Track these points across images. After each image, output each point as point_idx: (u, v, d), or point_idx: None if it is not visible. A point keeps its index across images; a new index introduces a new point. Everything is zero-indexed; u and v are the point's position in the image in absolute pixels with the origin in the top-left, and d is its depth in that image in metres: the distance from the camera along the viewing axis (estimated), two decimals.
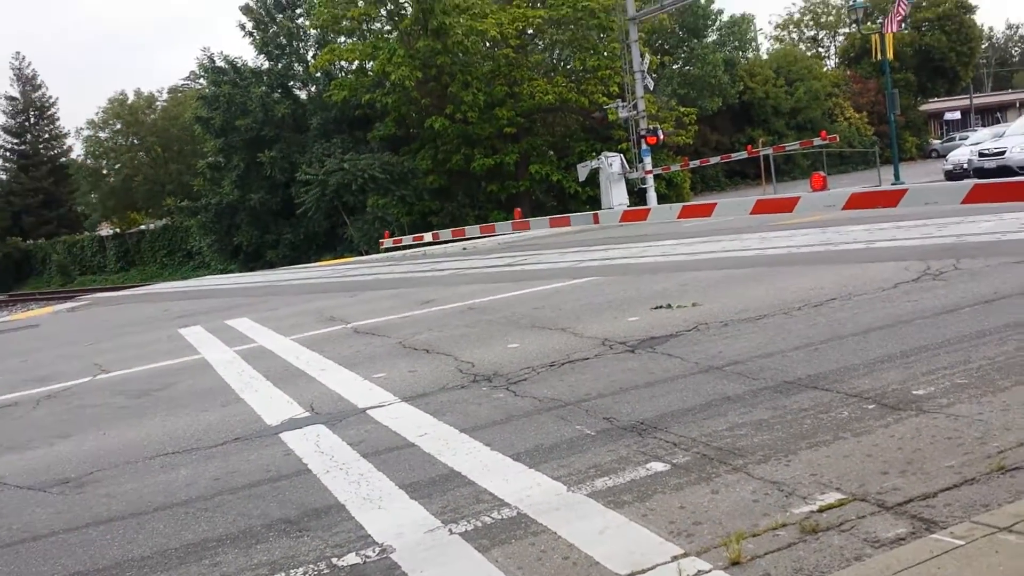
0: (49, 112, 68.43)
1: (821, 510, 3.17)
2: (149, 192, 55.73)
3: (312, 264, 28.94)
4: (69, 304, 22.70)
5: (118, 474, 4.93)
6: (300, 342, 8.81)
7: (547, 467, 4.03)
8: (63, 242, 61.81)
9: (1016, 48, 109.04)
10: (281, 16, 39.29)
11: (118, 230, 61.29)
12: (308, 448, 4.88)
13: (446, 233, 25.28)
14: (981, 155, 23.97)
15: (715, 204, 12.06)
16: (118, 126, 58.17)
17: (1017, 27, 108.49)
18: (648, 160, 28.29)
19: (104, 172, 59.78)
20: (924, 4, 58.82)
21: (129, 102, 58.23)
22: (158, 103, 59.09)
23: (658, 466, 3.86)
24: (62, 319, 18.00)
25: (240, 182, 37.34)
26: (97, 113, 58.87)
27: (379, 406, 5.60)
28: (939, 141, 57.16)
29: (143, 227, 59.98)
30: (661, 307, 7.85)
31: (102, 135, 58.46)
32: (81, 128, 60.04)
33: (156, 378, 7.93)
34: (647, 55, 30.12)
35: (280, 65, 39.42)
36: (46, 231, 64.37)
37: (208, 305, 15.40)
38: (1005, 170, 22.59)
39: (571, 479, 3.83)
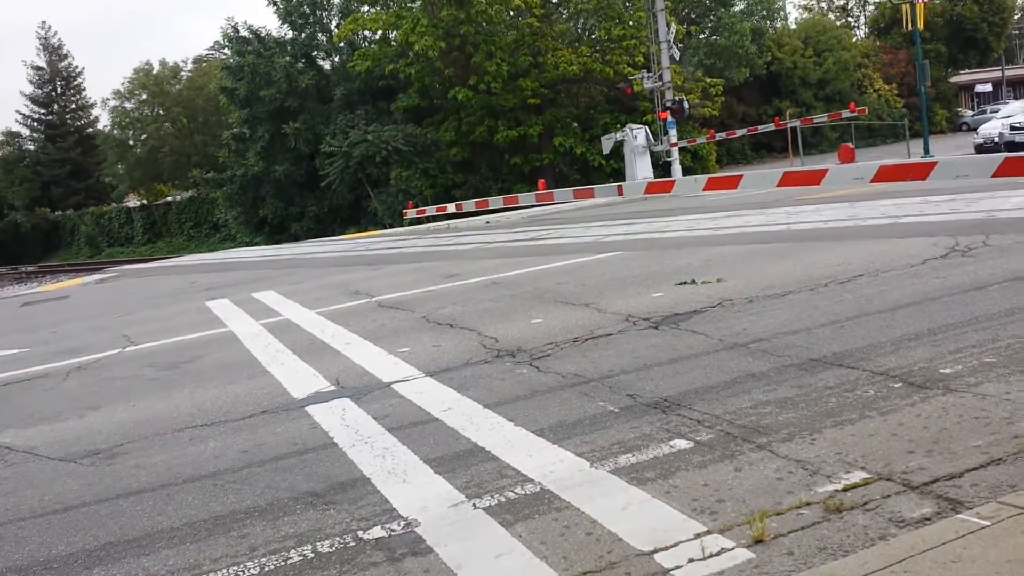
0: (75, 82, 68.79)
1: (846, 489, 3.16)
2: (175, 163, 56.06)
3: (337, 237, 29.07)
4: (98, 276, 22.96)
5: (147, 446, 5.02)
6: (325, 315, 8.88)
7: (570, 443, 4.05)
8: (91, 213, 62.44)
9: None
10: None
11: (145, 201, 61.79)
12: (334, 422, 4.93)
13: (469, 204, 25.25)
14: (1013, 128, 23.58)
15: (741, 176, 11.93)
16: (144, 96, 58.43)
17: None
18: (673, 132, 28.01)
19: (131, 143, 60.15)
20: None
21: (154, 72, 58.42)
22: (183, 73, 59.26)
23: (681, 443, 3.86)
24: (91, 291, 18.23)
25: (265, 153, 37.46)
26: (123, 83, 59.12)
27: (403, 380, 5.64)
28: (971, 112, 56.20)
29: (169, 199, 60.43)
30: (685, 283, 7.82)
31: (128, 105, 58.76)
32: (107, 98, 60.51)
33: (184, 350, 8.03)
34: (673, 24, 29.72)
35: (304, 35, 39.33)
36: (74, 202, 65.00)
37: (234, 278, 15.52)
38: None
39: (594, 455, 3.85)
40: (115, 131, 60.43)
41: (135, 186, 61.84)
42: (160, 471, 4.51)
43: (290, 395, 5.70)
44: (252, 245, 36.96)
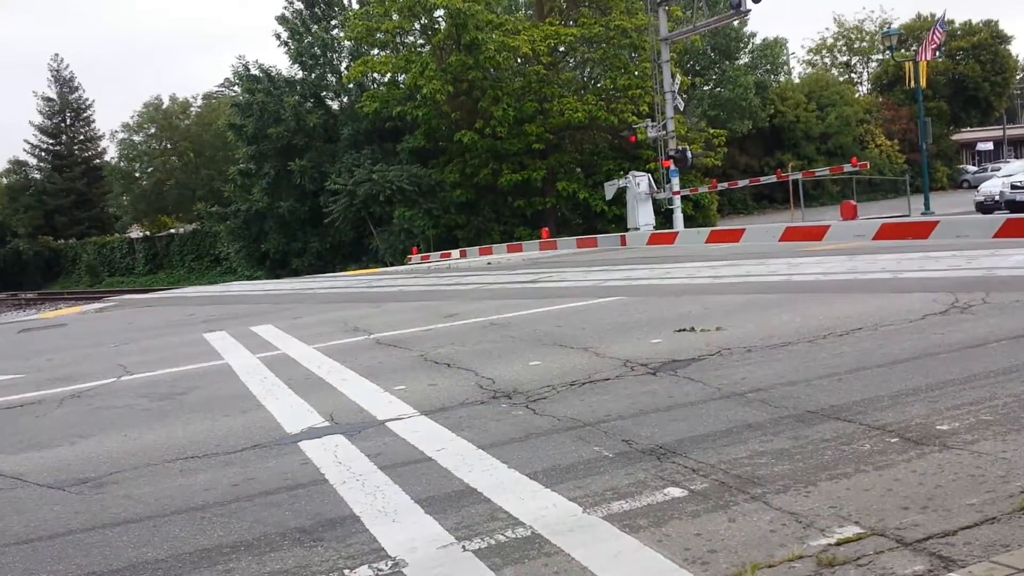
0: (85, 114, 69.57)
1: (839, 543, 3.13)
2: (180, 196, 56.43)
3: (337, 273, 29.12)
4: (97, 305, 22.96)
5: (137, 476, 4.98)
6: (323, 351, 8.86)
7: (564, 487, 4.02)
8: (93, 243, 62.71)
9: None
10: (316, 27, 39.77)
11: (148, 233, 62.07)
12: (326, 458, 4.89)
13: (473, 251, 25.40)
14: (1014, 187, 23.72)
15: (744, 230, 12.00)
16: (152, 130, 59.00)
17: None
18: (676, 181, 28.21)
19: (137, 175, 60.59)
20: (959, 33, 58.45)
21: (164, 107, 59.06)
22: (192, 108, 59.90)
23: (676, 491, 3.83)
24: (89, 319, 18.21)
25: (270, 189, 37.73)
26: (132, 116, 59.78)
27: (398, 418, 5.62)
28: (974, 169, 56.60)
29: (172, 231, 60.71)
30: (685, 330, 7.82)
31: (136, 138, 59.31)
32: (116, 131, 60.98)
33: (179, 382, 8.00)
34: (678, 76, 30.13)
35: (313, 75, 39.86)
36: (77, 231, 65.33)
37: (234, 311, 15.52)
38: None
39: (587, 501, 3.82)
40: (122, 163, 60.92)
41: (139, 217, 62.18)
42: (149, 502, 4.47)
43: (283, 430, 5.67)
44: (253, 279, 37.05)
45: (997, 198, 24.70)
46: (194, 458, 5.24)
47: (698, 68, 47.58)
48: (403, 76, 35.27)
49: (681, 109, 30.81)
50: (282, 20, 39.94)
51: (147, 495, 4.59)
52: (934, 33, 33.40)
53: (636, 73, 34.15)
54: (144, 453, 5.49)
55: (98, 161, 68.16)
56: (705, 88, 46.77)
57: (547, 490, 4.00)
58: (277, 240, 38.02)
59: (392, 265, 30.36)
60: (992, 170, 44.50)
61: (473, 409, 5.70)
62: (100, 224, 66.44)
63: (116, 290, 48.32)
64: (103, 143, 69.11)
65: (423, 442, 5.00)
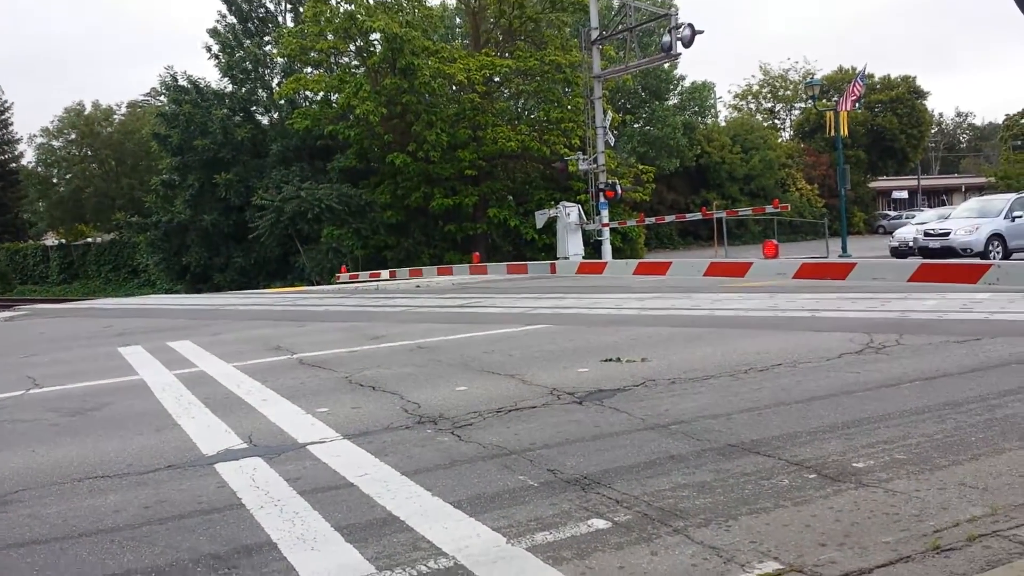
0: (3, 116, 67.04)
1: None
2: (99, 205, 54.71)
3: (261, 291, 28.54)
4: (6, 313, 21.99)
5: (44, 495, 4.75)
6: (243, 370, 8.64)
7: (488, 517, 3.97)
8: (5, 249, 60.22)
9: (964, 135, 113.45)
10: (249, 42, 39.26)
11: (64, 241, 59.94)
12: (243, 481, 4.75)
13: (403, 272, 25.22)
14: (927, 234, 24.74)
15: (670, 263, 12.22)
16: (73, 136, 57.24)
17: (966, 115, 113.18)
18: (605, 213, 28.60)
19: (55, 181, 58.60)
20: (878, 87, 61.10)
21: (86, 113, 57.39)
22: (116, 116, 58.33)
23: (599, 523, 3.83)
24: None
25: (193, 202, 36.88)
26: (52, 121, 57.90)
27: (320, 442, 5.50)
28: (894, 213, 58.86)
29: (90, 240, 58.76)
30: (611, 360, 7.88)
31: (55, 144, 57.44)
32: (34, 135, 58.96)
33: (91, 397, 7.69)
34: (610, 112, 30.65)
35: (244, 89, 39.26)
36: None
37: (151, 324, 15.05)
38: (948, 250, 23.34)
39: (511, 531, 3.78)
40: (39, 168, 58.87)
41: (55, 225, 60.05)
42: (55, 523, 4.26)
43: (199, 451, 5.49)
44: (172, 292, 36.04)
45: (911, 244, 25.71)
46: (104, 477, 5.02)
47: (629, 106, 48.57)
48: (336, 95, 35.03)
49: (612, 144, 31.33)
50: (214, 33, 39.32)
51: (54, 515, 4.37)
52: (854, 86, 34.76)
53: (569, 107, 34.65)
54: (52, 471, 5.25)
55: (14, 165, 65.66)
56: (635, 125, 47.75)
57: (471, 519, 3.96)
58: (199, 254, 37.12)
59: (319, 284, 29.92)
60: (907, 217, 46.40)
61: (397, 434, 5.62)
62: (13, 230, 63.87)
63: (27, 299, 46.48)
64: (20, 147, 66.75)
65: (345, 467, 4.90)
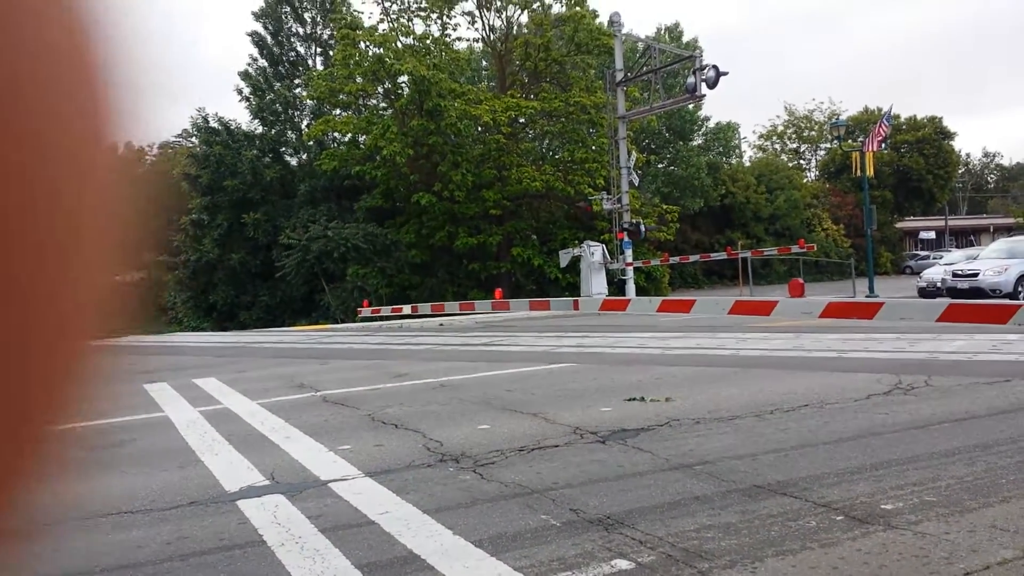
0: None
1: None
2: None
3: (286, 328, 28.72)
4: None
5: (69, 529, 4.76)
6: (267, 407, 8.67)
7: (509, 556, 3.93)
8: None
9: (992, 176, 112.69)
10: (279, 85, 39.97)
11: None
12: (265, 518, 4.74)
13: (425, 307, 25.25)
14: (955, 275, 24.46)
15: (694, 301, 12.15)
16: None
17: (993, 156, 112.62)
18: (629, 253, 28.62)
19: None
20: (904, 127, 60.93)
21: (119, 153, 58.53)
22: (148, 157, 59.45)
23: (623, 563, 3.78)
24: None
25: (222, 241, 37.32)
26: None
27: (342, 479, 5.48)
28: (924, 253, 58.33)
29: (118, 278, 59.58)
30: (635, 399, 7.83)
31: None
32: None
33: (116, 432, 7.74)
34: (634, 152, 30.81)
35: (274, 131, 39.89)
36: None
37: (177, 362, 15.17)
38: (977, 291, 23.05)
39: (533, 571, 3.74)
40: None
41: None
42: (79, 557, 4.27)
43: (222, 487, 5.49)
44: (198, 330, 36.33)
45: (939, 284, 25.42)
46: (128, 513, 5.04)
47: (653, 146, 48.75)
48: (364, 136, 35.50)
49: (636, 184, 31.44)
50: (245, 76, 40.09)
51: (79, 550, 4.39)
52: (880, 126, 34.70)
53: (593, 147, 34.85)
54: (77, 505, 5.27)
55: None
56: (660, 166, 47.88)
57: (492, 559, 3.92)
58: (226, 292, 37.47)
59: (343, 322, 30.06)
60: (934, 258, 45.96)
61: (419, 472, 5.59)
62: None
63: None
64: None
65: (366, 505, 4.88)
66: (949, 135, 62.58)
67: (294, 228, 34.32)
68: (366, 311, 27.76)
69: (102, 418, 8.65)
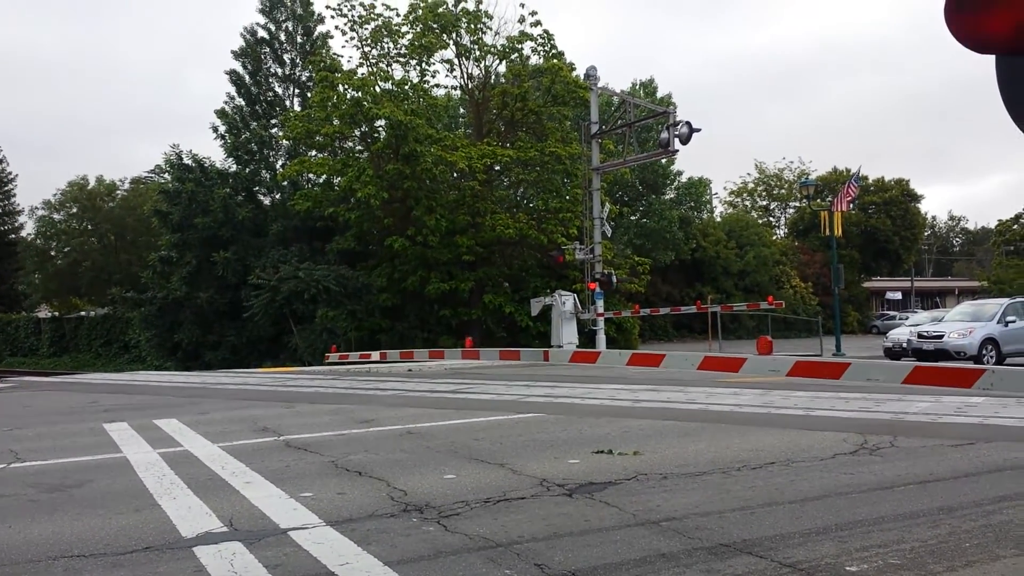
0: (6, 187, 67.75)
1: None
2: (95, 279, 54.91)
3: (252, 370, 28.35)
4: None
5: (18, 573, 4.60)
6: (228, 450, 8.51)
7: None
8: None
9: (957, 239, 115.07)
10: (255, 124, 40.04)
11: (56, 313, 59.83)
12: (222, 566, 4.62)
13: (394, 353, 25.07)
14: (920, 336, 24.81)
15: (664, 355, 12.21)
16: (74, 209, 57.81)
17: (959, 219, 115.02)
18: (600, 303, 28.74)
19: (52, 254, 58.89)
20: (872, 189, 62.26)
21: (89, 187, 58.16)
22: (119, 192, 59.07)
23: None
24: None
25: (190, 279, 36.96)
26: (55, 194, 58.62)
27: (302, 528, 5.37)
28: (893, 313, 59.07)
29: (83, 313, 58.70)
30: (602, 452, 7.78)
31: (56, 217, 57.98)
32: (36, 207, 59.55)
33: (72, 473, 7.54)
34: (607, 204, 31.15)
35: (248, 170, 39.85)
36: None
37: (138, 401, 14.90)
38: (942, 352, 23.38)
39: None
40: (39, 240, 59.25)
41: (49, 297, 60.06)
42: None
43: (178, 533, 5.35)
44: (162, 369, 35.78)
45: (904, 345, 25.78)
46: (81, 557, 4.88)
47: (626, 199, 49.31)
48: (338, 178, 35.56)
49: (609, 235, 31.74)
50: (221, 114, 40.13)
51: None
52: (849, 187, 35.46)
53: (567, 197, 35.17)
54: (27, 548, 5.11)
55: (13, 236, 66.05)
56: (632, 218, 48.39)
57: None
58: (192, 331, 36.98)
59: (310, 364, 29.75)
60: (900, 319, 46.65)
61: (382, 522, 5.50)
62: (8, 301, 63.75)
63: (16, 370, 46.04)
64: (21, 218, 67.20)
65: (327, 555, 4.78)
66: (916, 198, 64.02)
67: (264, 268, 34.10)
68: (334, 356, 27.51)
69: (59, 457, 8.44)
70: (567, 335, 27.66)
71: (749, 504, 5.72)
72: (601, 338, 28.62)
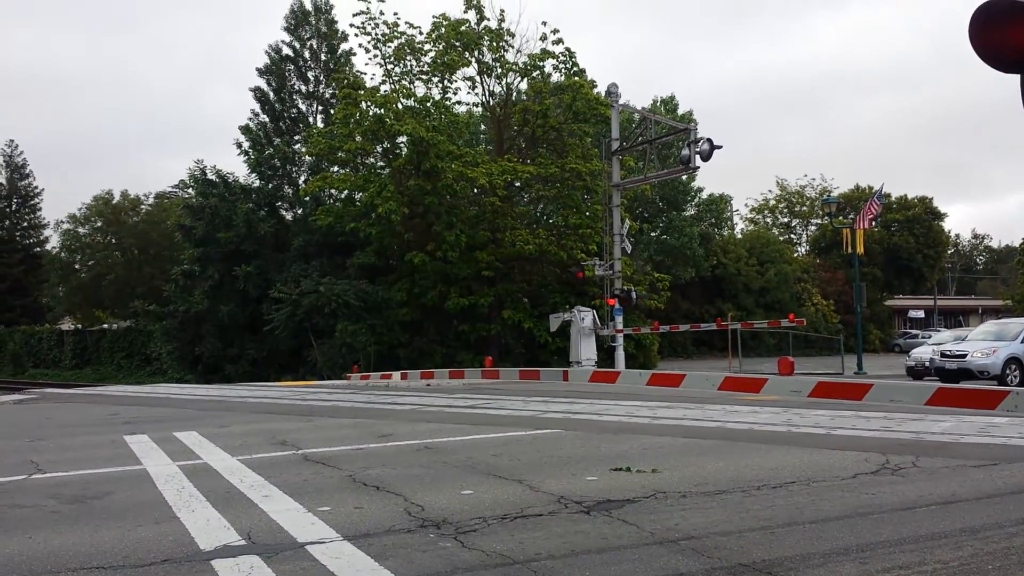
0: (32, 201, 68.81)
1: None
2: (118, 292, 55.39)
3: (271, 383, 28.48)
4: (16, 396, 22.03)
5: None
6: (247, 464, 8.54)
7: None
8: (22, 331, 60.62)
9: (981, 257, 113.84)
10: (279, 140, 40.38)
11: (79, 326, 60.40)
12: None
13: (414, 374, 25.17)
14: (943, 356, 24.52)
15: (684, 375, 12.16)
16: (99, 223, 58.45)
17: (983, 238, 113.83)
18: (620, 319, 28.66)
19: (76, 267, 59.51)
20: (895, 206, 61.78)
21: (114, 201, 58.81)
22: (143, 206, 59.68)
23: None
24: (6, 411, 17.41)
25: (212, 293, 37.24)
26: (80, 208, 59.32)
27: (319, 542, 5.38)
28: (917, 331, 58.42)
29: (105, 326, 59.21)
30: (620, 469, 7.74)
31: (81, 230, 58.65)
32: (61, 220, 60.30)
33: (93, 485, 7.60)
34: (627, 220, 31.12)
35: (271, 185, 40.17)
36: (7, 318, 63.21)
37: (158, 414, 15.00)
38: (965, 372, 23.10)
39: None
40: (63, 254, 59.93)
41: (73, 310, 60.66)
42: None
43: (197, 545, 5.37)
44: (183, 382, 36.00)
45: (927, 364, 25.49)
46: (100, 568, 4.92)
47: (647, 215, 49.22)
48: (360, 194, 35.75)
49: (628, 252, 31.68)
50: (245, 130, 40.49)
51: None
52: (871, 204, 35.22)
53: (587, 213, 35.17)
54: (47, 559, 5.14)
55: (39, 249, 66.95)
56: (652, 234, 48.26)
57: None
58: (213, 344, 37.22)
59: (330, 379, 29.84)
60: (923, 337, 46.18)
61: (399, 537, 5.49)
62: (32, 313, 64.50)
63: (39, 382, 46.51)
64: (46, 231, 68.08)
65: (343, 569, 4.78)
66: (939, 215, 63.47)
67: (285, 282, 34.30)
68: (355, 377, 27.60)
69: (79, 469, 8.51)
70: (586, 351, 27.58)
71: (769, 524, 5.67)
72: (620, 354, 28.52)
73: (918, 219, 61.52)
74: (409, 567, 4.81)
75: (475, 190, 35.55)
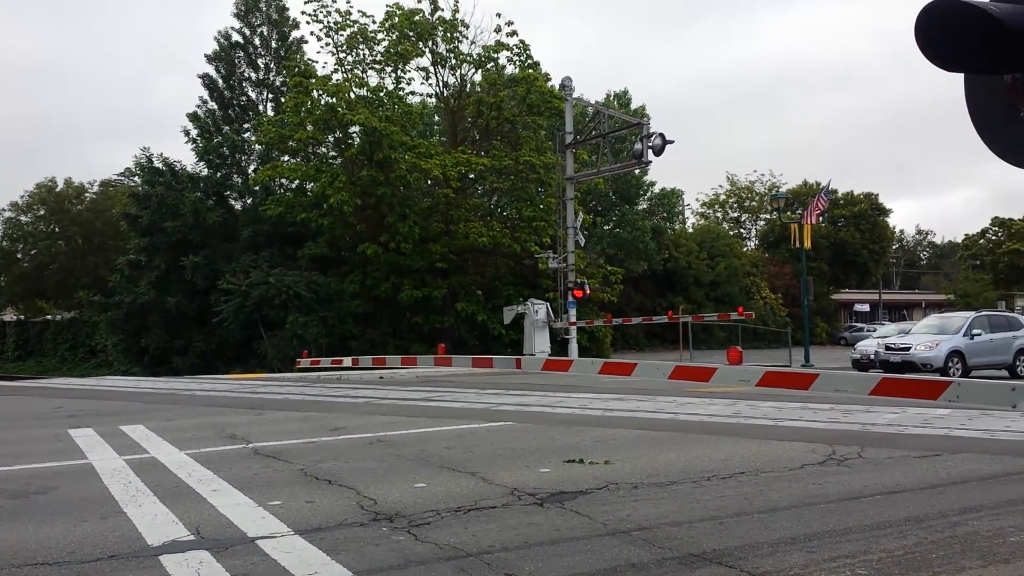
0: None
1: None
2: (62, 282, 54.09)
3: (220, 376, 28.05)
4: None
5: None
6: (195, 458, 8.41)
7: None
8: None
9: (924, 252, 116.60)
10: (228, 128, 39.74)
11: (22, 317, 58.88)
12: (188, 575, 4.56)
13: (366, 360, 24.91)
14: (887, 348, 25.09)
15: (636, 364, 12.24)
16: (41, 212, 57.00)
17: (926, 233, 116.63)
18: (573, 312, 28.81)
19: (18, 256, 57.98)
20: (842, 202, 62.95)
21: (57, 189, 57.35)
22: (87, 194, 58.32)
23: None
24: None
25: (158, 283, 36.57)
26: (22, 196, 57.76)
27: (270, 536, 5.31)
28: (862, 325, 59.67)
29: (49, 317, 57.81)
30: (573, 461, 7.78)
31: (23, 219, 57.12)
32: (3, 209, 58.68)
33: (36, 480, 7.41)
34: (581, 213, 31.26)
35: (219, 174, 39.54)
36: None
37: (104, 407, 14.69)
38: (908, 364, 23.66)
39: None
40: (4, 242, 58.32)
41: (15, 300, 59.07)
42: None
43: (144, 541, 5.27)
44: (129, 375, 35.31)
45: (872, 357, 26.06)
46: (44, 565, 4.80)
47: (600, 208, 49.49)
48: (311, 184, 35.38)
49: (582, 244, 31.84)
50: (193, 118, 39.80)
51: None
52: (819, 200, 35.82)
53: (541, 206, 35.27)
54: None
55: None
56: (605, 227, 48.56)
57: None
58: (159, 336, 36.53)
59: (280, 371, 29.50)
60: (868, 330, 47.20)
61: (351, 531, 5.45)
62: None
63: None
64: None
65: (294, 564, 4.73)
66: (884, 211, 64.84)
67: (234, 273, 33.81)
68: (305, 362, 27.27)
69: (22, 463, 8.30)
70: (540, 344, 27.69)
71: (719, 514, 5.75)
72: (574, 347, 28.69)
73: (864, 215, 62.80)
74: (362, 561, 4.78)
75: (428, 181, 35.43)
